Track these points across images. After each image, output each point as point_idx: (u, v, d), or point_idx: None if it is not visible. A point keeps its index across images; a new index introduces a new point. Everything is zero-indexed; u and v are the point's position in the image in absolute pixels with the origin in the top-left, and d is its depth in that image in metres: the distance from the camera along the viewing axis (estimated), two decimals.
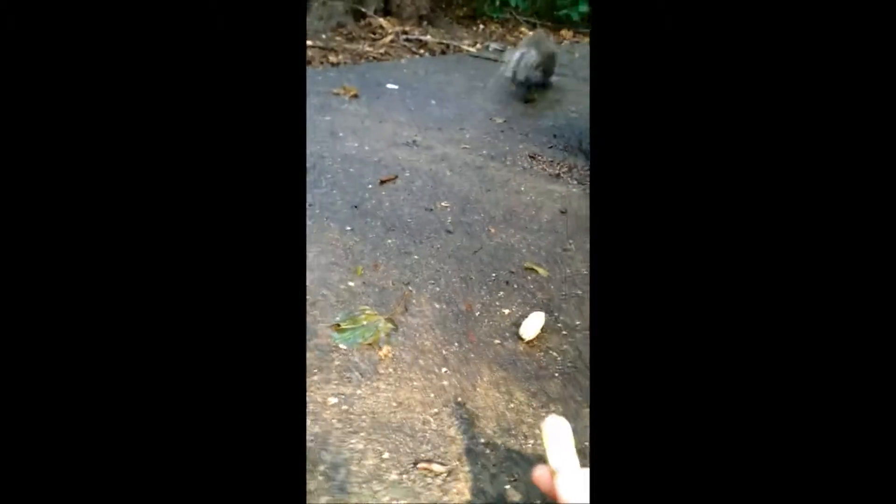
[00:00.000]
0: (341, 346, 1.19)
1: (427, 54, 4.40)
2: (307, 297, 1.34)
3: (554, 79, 3.26)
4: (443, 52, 4.51)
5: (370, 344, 1.21)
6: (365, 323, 1.26)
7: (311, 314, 1.29)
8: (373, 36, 4.80)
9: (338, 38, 4.66)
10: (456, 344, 1.24)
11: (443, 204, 1.84)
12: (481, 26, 5.73)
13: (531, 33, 3.64)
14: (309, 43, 4.36)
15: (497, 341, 1.26)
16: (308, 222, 1.65)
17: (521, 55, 2.95)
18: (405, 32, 4.95)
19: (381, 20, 5.08)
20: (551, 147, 2.41)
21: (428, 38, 4.83)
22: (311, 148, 2.14)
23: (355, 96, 2.75)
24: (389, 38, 4.75)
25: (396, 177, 1.99)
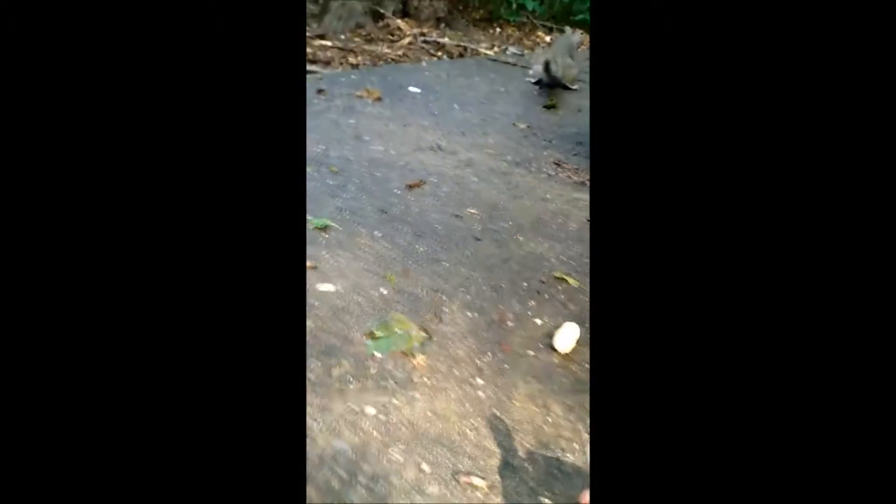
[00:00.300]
0: (376, 354, 1.19)
1: (445, 56, 4.40)
2: (340, 303, 1.34)
3: (575, 86, 3.26)
4: (460, 55, 4.51)
5: (404, 352, 1.20)
6: (398, 331, 1.26)
7: (345, 320, 1.28)
8: (391, 37, 4.80)
9: (356, 39, 4.66)
10: (490, 354, 1.23)
11: (470, 211, 1.83)
12: (498, 29, 5.72)
13: (564, 33, 3.64)
14: (328, 43, 4.37)
15: (531, 353, 1.26)
16: (338, 227, 1.65)
17: (552, 57, 2.97)
18: (423, 34, 4.95)
19: (400, 22, 5.08)
20: (576, 154, 2.40)
21: (445, 40, 4.83)
22: (338, 151, 2.14)
23: (378, 99, 2.75)
24: (408, 39, 4.75)
25: (423, 182, 1.99)
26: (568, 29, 3.78)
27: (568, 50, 3.29)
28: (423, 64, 3.62)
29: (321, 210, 1.73)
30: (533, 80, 3.26)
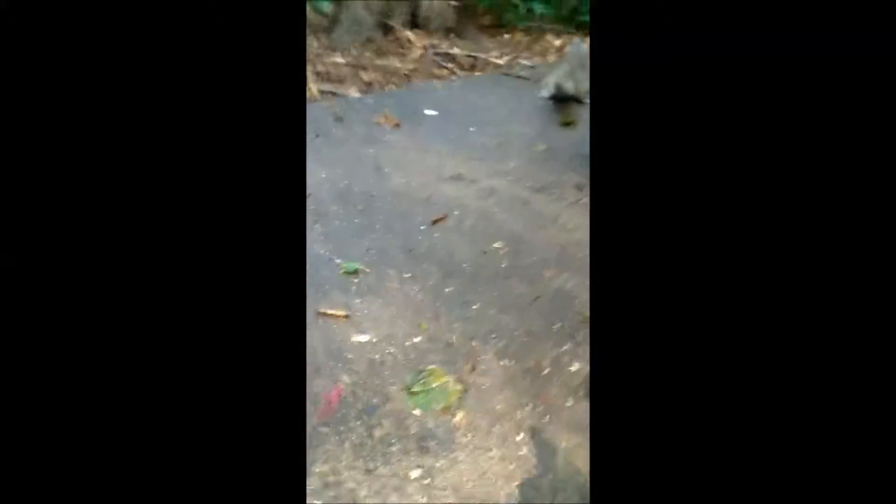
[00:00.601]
0: (416, 412, 1.20)
1: (456, 68, 4.40)
2: (376, 355, 1.35)
3: (587, 99, 3.24)
4: (472, 66, 4.51)
5: (444, 409, 1.22)
6: (435, 385, 1.27)
7: (382, 375, 1.30)
8: (401, 50, 4.81)
9: (367, 54, 4.68)
10: (529, 406, 1.25)
11: (495, 245, 1.84)
12: (506, 35, 5.71)
13: (573, 43, 3.61)
14: (340, 60, 4.38)
15: (569, 403, 1.27)
16: (367, 270, 1.67)
17: (563, 76, 2.96)
18: (433, 46, 4.96)
19: (409, 33, 5.09)
20: None
21: (456, 51, 4.83)
22: (361, 186, 2.15)
23: (397, 126, 2.76)
24: (419, 52, 4.76)
25: (447, 216, 2.00)
26: (577, 39, 3.76)
27: (579, 62, 3.27)
28: (438, 84, 3.62)
29: (350, 251, 1.75)
30: (546, 96, 3.26)
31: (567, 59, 3.38)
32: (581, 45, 3.44)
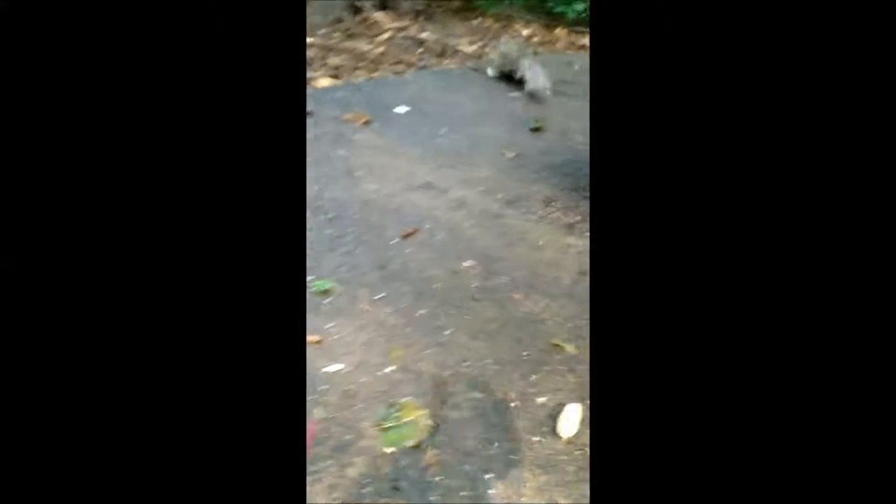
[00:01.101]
0: (387, 450, 1.23)
1: (426, 55, 4.34)
2: (349, 386, 1.37)
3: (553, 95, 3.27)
4: (441, 53, 4.46)
5: (415, 446, 1.24)
6: (407, 420, 1.30)
7: (354, 409, 1.31)
8: (370, 33, 4.72)
9: (336, 35, 4.57)
10: (497, 443, 1.28)
11: (466, 264, 1.86)
12: (477, 20, 5.65)
13: (504, 43, 3.76)
14: (309, 41, 4.27)
15: (536, 438, 1.31)
16: (339, 288, 1.67)
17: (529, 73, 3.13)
18: (402, 29, 4.87)
19: (378, 15, 4.99)
20: (563, 189, 2.43)
21: (426, 35, 4.77)
22: (332, 192, 2.13)
23: (367, 123, 2.73)
24: (387, 34, 4.68)
25: (418, 229, 2.01)
26: (503, 39, 3.97)
27: (519, 48, 3.49)
28: (408, 76, 3.58)
29: (321, 267, 1.74)
30: (492, 76, 3.51)
31: (510, 44, 3.61)
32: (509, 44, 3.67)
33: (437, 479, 1.19)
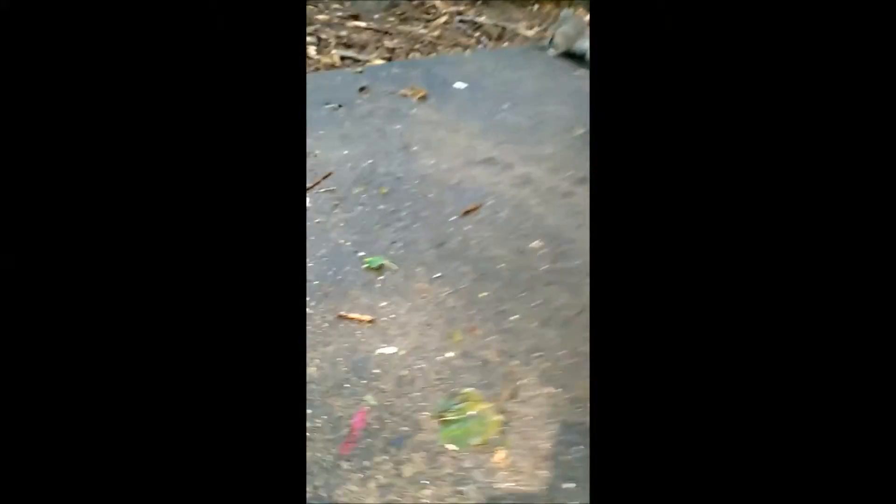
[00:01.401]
0: (450, 447, 1.05)
1: (483, 38, 4.17)
2: (404, 371, 1.19)
3: None
4: (499, 37, 4.28)
5: (482, 444, 1.06)
6: (472, 413, 1.11)
7: (411, 396, 1.14)
8: (426, 16, 4.58)
9: (390, 19, 4.44)
10: (575, 448, 1.09)
11: (534, 245, 1.67)
12: (535, 6, 5.44)
13: (565, 22, 3.63)
14: (362, 24, 4.16)
15: None
16: (393, 266, 1.50)
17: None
18: (459, 13, 4.71)
19: (435, 0, 4.84)
20: None
21: (483, 19, 4.59)
22: (386, 166, 1.97)
23: (423, 98, 2.56)
24: (443, 18, 4.52)
25: (480, 205, 1.82)
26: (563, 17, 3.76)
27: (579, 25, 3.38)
28: (467, 54, 3.40)
29: (375, 244, 1.58)
30: (554, 55, 3.37)
31: (568, 22, 3.51)
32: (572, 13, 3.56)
33: (507, 484, 1.00)
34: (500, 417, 1.12)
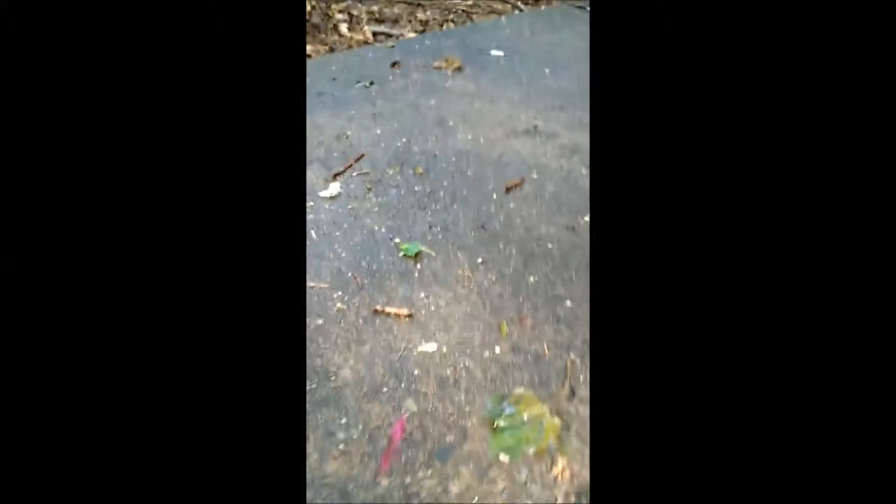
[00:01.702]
0: (503, 458, 0.93)
1: (520, 2, 3.97)
2: (447, 370, 1.07)
3: None
4: (537, 1, 4.06)
5: (539, 452, 0.93)
6: (526, 418, 0.99)
7: (455, 400, 1.02)
8: None
9: None
10: None
11: (585, 220, 1.51)
12: None
13: None
14: None
15: None
16: (431, 252, 1.38)
17: None
18: None
19: None
20: None
21: None
22: (422, 144, 1.84)
23: (459, 69, 2.41)
24: None
25: (523, 180, 1.68)
26: None
27: None
28: (502, 19, 3.21)
29: (411, 229, 1.46)
30: None
31: None
32: None
33: (571, 500, 0.87)
34: (557, 421, 0.98)
